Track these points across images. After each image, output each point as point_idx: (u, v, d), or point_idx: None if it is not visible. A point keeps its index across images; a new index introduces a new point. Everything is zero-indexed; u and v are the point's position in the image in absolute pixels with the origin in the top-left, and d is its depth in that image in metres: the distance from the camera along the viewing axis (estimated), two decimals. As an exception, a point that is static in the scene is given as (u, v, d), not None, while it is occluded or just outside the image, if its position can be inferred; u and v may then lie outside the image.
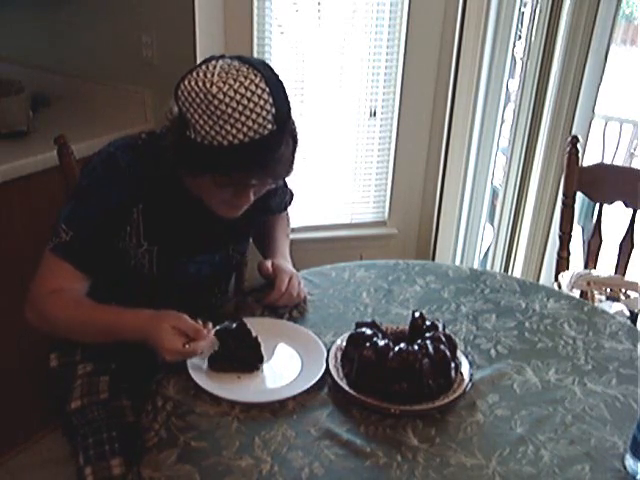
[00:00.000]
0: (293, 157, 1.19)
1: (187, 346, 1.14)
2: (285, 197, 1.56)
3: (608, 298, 1.80)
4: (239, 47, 2.22)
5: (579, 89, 2.15)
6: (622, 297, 1.79)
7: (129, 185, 1.24)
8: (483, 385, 1.19)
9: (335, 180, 2.55)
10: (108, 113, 2.26)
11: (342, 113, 2.44)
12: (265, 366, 1.22)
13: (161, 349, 1.14)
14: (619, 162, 4.05)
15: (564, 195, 1.93)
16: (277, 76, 1.15)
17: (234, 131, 1.08)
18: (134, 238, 1.27)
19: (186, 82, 1.12)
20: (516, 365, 1.25)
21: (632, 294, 1.78)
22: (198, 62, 1.98)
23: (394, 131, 2.48)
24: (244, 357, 1.21)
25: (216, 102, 1.07)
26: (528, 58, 2.25)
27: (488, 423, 1.11)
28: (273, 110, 1.10)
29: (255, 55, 2.24)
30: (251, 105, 1.08)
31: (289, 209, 1.63)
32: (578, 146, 1.88)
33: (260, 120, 1.09)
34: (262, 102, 1.09)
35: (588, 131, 2.24)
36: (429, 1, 2.29)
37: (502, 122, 2.46)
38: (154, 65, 2.17)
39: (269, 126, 1.10)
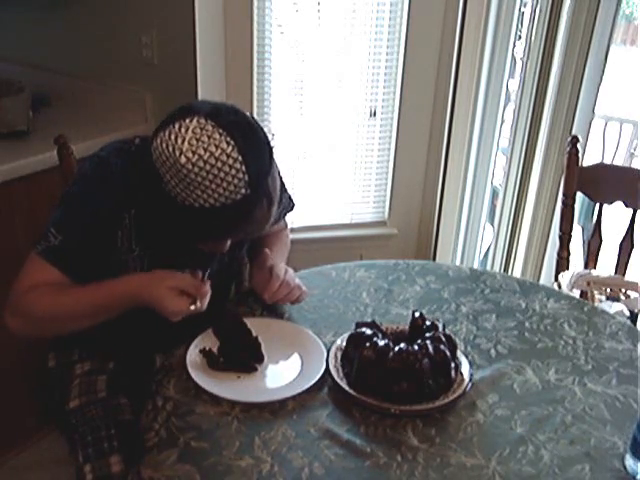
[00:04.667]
0: (269, 216, 1.16)
1: (193, 307, 1.15)
2: (281, 208, 1.53)
3: (608, 298, 1.80)
4: (239, 47, 2.22)
5: (579, 89, 2.15)
6: (622, 297, 1.79)
7: (120, 191, 1.22)
8: (483, 385, 1.19)
9: (335, 180, 2.55)
10: (108, 113, 2.26)
11: (342, 113, 2.44)
12: (265, 366, 1.22)
13: (166, 313, 1.14)
14: (619, 162, 4.05)
15: (564, 195, 1.93)
16: (257, 135, 1.11)
17: (205, 196, 1.06)
18: (125, 243, 1.25)
19: (158, 141, 1.07)
20: (516, 365, 1.25)
21: (632, 294, 1.78)
22: (198, 62, 2.06)
23: (394, 131, 2.48)
24: (244, 357, 1.21)
25: (185, 171, 1.04)
26: (528, 58, 2.25)
27: (488, 423, 1.11)
28: (246, 177, 1.06)
29: (255, 55, 2.24)
30: (222, 174, 1.05)
31: (288, 230, 1.61)
32: (578, 146, 1.88)
33: (231, 188, 1.06)
34: (233, 171, 1.05)
35: (588, 131, 2.24)
36: (429, 1, 2.29)
37: (502, 122, 2.46)
38: (154, 65, 2.17)
39: (242, 191, 1.07)
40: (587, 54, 2.10)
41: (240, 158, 1.05)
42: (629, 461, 1.02)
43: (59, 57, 2.42)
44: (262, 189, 1.11)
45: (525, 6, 2.30)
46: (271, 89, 2.32)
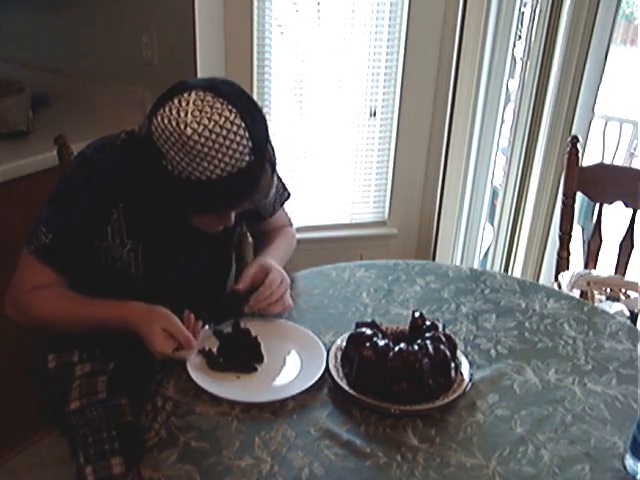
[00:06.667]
0: (272, 182, 1.19)
1: (176, 353, 1.18)
2: (275, 198, 1.51)
3: (608, 298, 1.80)
4: (239, 47, 2.22)
5: (579, 89, 2.15)
6: (622, 297, 1.79)
7: (106, 187, 1.23)
8: (483, 385, 1.19)
9: (335, 180, 2.55)
10: (108, 113, 2.26)
11: (342, 113, 2.44)
12: (265, 366, 1.22)
13: (151, 348, 1.17)
14: (619, 162, 4.05)
15: (564, 195, 1.93)
16: (253, 103, 1.13)
17: (211, 167, 1.07)
18: (117, 238, 1.26)
19: (159, 119, 1.08)
20: (516, 365, 1.25)
21: (632, 294, 1.78)
22: (198, 62, 2.06)
23: (394, 131, 2.48)
24: (244, 357, 1.21)
25: (191, 143, 1.05)
26: (528, 58, 2.25)
27: (488, 423, 1.11)
28: (250, 144, 1.08)
29: (255, 55, 2.24)
30: (227, 142, 1.06)
31: (294, 229, 1.60)
32: (578, 146, 1.88)
33: (237, 155, 1.07)
34: (238, 138, 1.07)
35: (588, 131, 2.23)
36: (429, 1, 2.29)
37: (502, 122, 2.46)
38: (154, 65, 2.17)
39: (246, 158, 1.09)
40: (587, 54, 2.10)
41: (243, 125, 1.07)
42: (629, 461, 1.02)
43: (59, 57, 2.43)
44: (264, 155, 1.13)
45: (525, 6, 2.30)
46: (271, 89, 2.32)
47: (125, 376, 1.35)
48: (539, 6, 2.17)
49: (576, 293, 1.79)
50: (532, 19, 2.22)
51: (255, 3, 2.17)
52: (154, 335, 1.16)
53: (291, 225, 1.59)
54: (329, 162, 2.52)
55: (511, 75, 2.41)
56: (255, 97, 2.31)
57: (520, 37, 2.36)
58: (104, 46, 2.27)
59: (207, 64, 2.12)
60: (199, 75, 2.09)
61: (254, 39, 2.22)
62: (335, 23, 2.31)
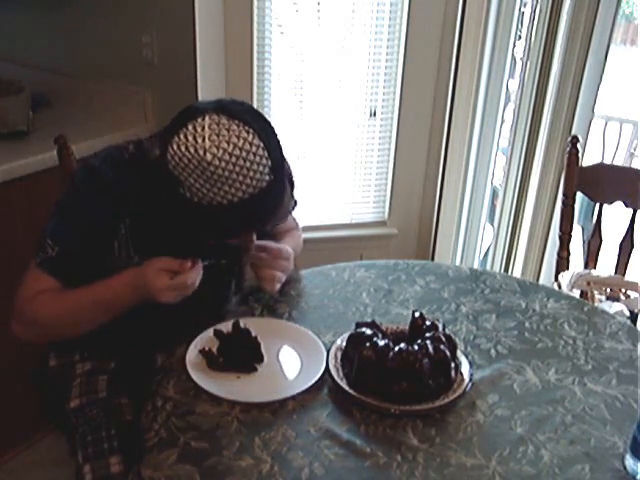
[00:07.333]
0: (291, 198, 1.18)
1: (174, 279, 1.14)
2: None
3: (608, 298, 1.80)
4: (239, 47, 2.22)
5: (579, 89, 2.15)
6: (622, 297, 1.79)
7: (113, 202, 1.21)
8: (483, 385, 1.19)
9: (335, 180, 2.55)
10: (108, 113, 2.26)
11: (342, 113, 2.44)
12: (265, 366, 1.22)
13: (153, 292, 1.14)
14: (619, 162, 4.05)
15: (564, 195, 1.93)
16: (266, 121, 1.12)
17: (233, 190, 1.05)
18: (123, 253, 1.25)
19: (175, 147, 1.05)
20: (516, 365, 1.25)
21: (632, 294, 1.78)
22: (198, 62, 2.05)
23: (394, 131, 2.48)
24: (244, 357, 1.21)
25: (212, 168, 1.03)
26: (528, 58, 2.25)
27: (488, 423, 1.11)
28: (269, 163, 1.07)
29: (255, 55, 2.24)
30: (247, 164, 1.04)
31: (300, 230, 1.60)
32: (578, 146, 1.88)
33: (258, 176, 1.06)
34: (258, 158, 1.05)
35: (588, 131, 2.24)
36: (429, 1, 2.29)
37: (502, 122, 2.46)
38: (154, 65, 2.17)
39: (267, 178, 1.07)
40: (587, 54, 2.10)
41: (262, 144, 1.06)
42: (629, 461, 1.02)
43: (59, 57, 2.42)
44: (283, 172, 1.12)
45: (525, 6, 2.30)
46: (271, 89, 2.32)
47: (125, 376, 1.35)
48: (539, 6, 2.17)
49: (576, 293, 1.80)
50: (532, 19, 2.22)
51: (255, 3, 2.17)
52: (150, 277, 1.14)
53: (297, 228, 1.59)
54: (329, 162, 2.52)
55: (511, 75, 2.41)
56: (255, 97, 2.31)
57: (520, 37, 2.36)
58: (104, 46, 2.27)
59: (207, 64, 2.12)
60: (199, 76, 2.09)
61: (254, 39, 2.22)
62: (335, 23, 2.30)
